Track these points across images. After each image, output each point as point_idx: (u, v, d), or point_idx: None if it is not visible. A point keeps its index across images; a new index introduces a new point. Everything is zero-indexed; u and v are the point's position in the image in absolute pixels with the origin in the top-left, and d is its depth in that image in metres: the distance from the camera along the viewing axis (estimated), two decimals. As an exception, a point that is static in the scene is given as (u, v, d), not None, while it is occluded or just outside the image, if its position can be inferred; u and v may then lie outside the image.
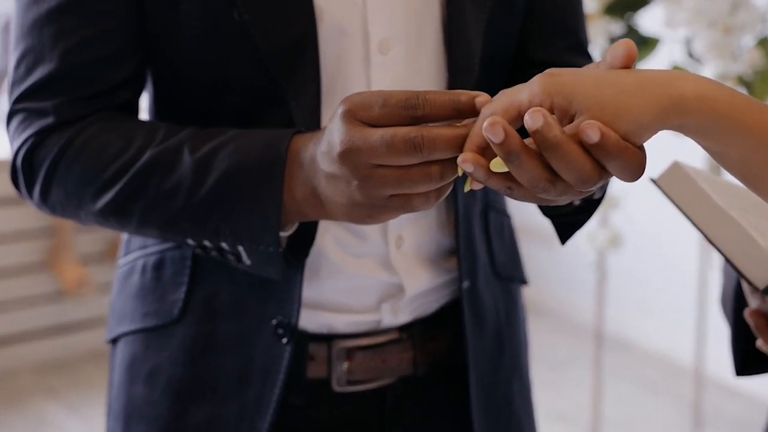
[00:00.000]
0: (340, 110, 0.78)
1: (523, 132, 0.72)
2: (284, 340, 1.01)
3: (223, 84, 0.98)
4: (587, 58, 1.11)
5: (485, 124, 0.70)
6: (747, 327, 1.11)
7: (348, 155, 0.77)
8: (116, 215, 0.95)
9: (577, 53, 1.10)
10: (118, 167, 0.93)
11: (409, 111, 0.75)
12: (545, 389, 3.23)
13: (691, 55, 2.29)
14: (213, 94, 0.99)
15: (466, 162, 0.72)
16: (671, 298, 3.70)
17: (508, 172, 0.72)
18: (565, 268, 4.05)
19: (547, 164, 0.71)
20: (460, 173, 0.76)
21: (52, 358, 3.67)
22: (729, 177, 1.10)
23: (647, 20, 2.53)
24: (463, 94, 0.75)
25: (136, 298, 1.08)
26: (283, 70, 0.96)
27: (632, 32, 2.40)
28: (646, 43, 2.38)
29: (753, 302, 1.05)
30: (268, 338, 1.02)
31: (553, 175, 0.71)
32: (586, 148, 0.69)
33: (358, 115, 0.77)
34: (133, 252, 1.10)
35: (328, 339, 1.06)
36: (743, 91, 2.17)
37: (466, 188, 0.77)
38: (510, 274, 1.17)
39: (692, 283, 2.95)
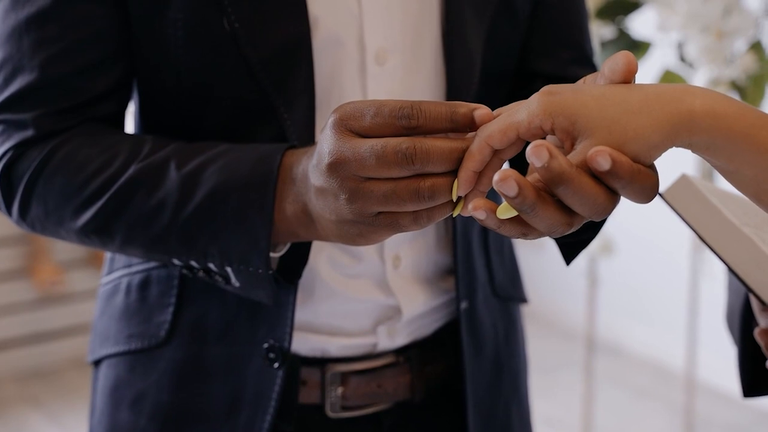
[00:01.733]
0: (331, 119, 0.73)
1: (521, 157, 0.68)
2: (276, 365, 0.96)
3: (211, 96, 0.94)
4: (592, 70, 1.07)
5: (496, 177, 0.64)
6: (755, 347, 1.08)
7: (336, 167, 0.72)
8: (98, 233, 0.91)
9: (581, 65, 1.06)
10: (100, 183, 0.89)
11: (402, 121, 0.70)
12: (536, 395, 3.19)
13: (683, 59, 2.26)
14: (201, 106, 0.95)
15: (478, 209, 0.67)
16: (662, 304, 3.68)
17: (518, 215, 0.68)
18: (556, 274, 4.02)
19: (563, 207, 0.66)
20: (454, 198, 0.71)
21: (33, 366, 3.62)
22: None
23: (638, 24, 2.50)
24: (462, 106, 0.70)
25: (120, 319, 1.03)
26: (275, 81, 0.91)
27: (623, 36, 2.37)
28: (637, 48, 2.36)
29: (763, 321, 1.01)
30: (259, 363, 0.97)
31: (571, 216, 0.67)
32: (596, 175, 0.65)
33: (350, 124, 0.72)
34: (116, 270, 1.06)
35: (321, 363, 1.01)
36: (736, 96, 2.15)
37: (455, 213, 0.72)
38: (509, 293, 1.13)
39: (683, 288, 2.93)
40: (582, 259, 2.58)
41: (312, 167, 0.77)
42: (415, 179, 0.70)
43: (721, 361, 3.39)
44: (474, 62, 0.98)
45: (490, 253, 1.08)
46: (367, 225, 0.74)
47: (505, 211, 0.68)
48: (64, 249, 3.68)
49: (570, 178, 0.64)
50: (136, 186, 0.88)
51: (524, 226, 0.68)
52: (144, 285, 1.02)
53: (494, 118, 0.71)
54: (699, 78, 2.18)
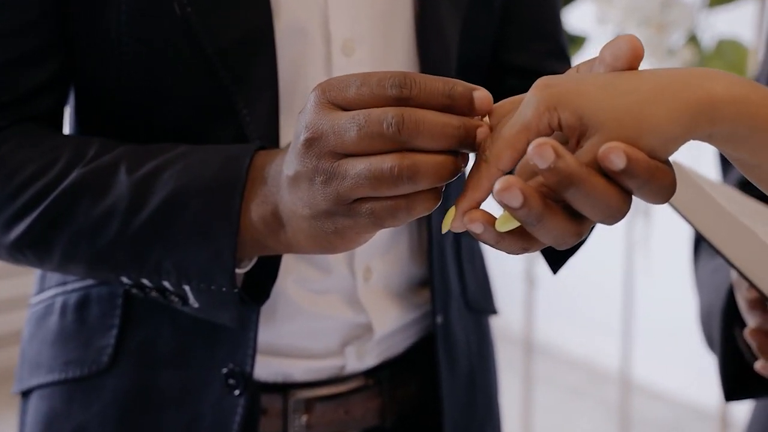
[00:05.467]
0: (312, 94, 0.63)
1: None
2: (236, 392, 0.86)
3: (160, 91, 0.83)
4: (567, 63, 1.00)
5: (497, 186, 0.55)
6: (736, 349, 1.02)
7: (313, 142, 0.61)
8: (34, 248, 0.79)
9: (557, 58, 0.99)
10: (37, 189, 0.77)
11: (393, 90, 0.60)
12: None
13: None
14: (149, 103, 0.84)
15: (474, 222, 0.58)
16: (597, 303, 3.66)
17: (520, 227, 0.59)
18: (494, 278, 3.99)
19: (572, 215, 0.57)
20: (444, 229, 0.61)
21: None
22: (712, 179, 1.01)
23: (574, 18, 2.47)
24: (459, 84, 0.60)
25: (55, 344, 0.91)
26: (234, 74, 0.81)
27: (559, 30, 2.33)
28: (573, 42, 2.32)
29: (752, 320, 0.95)
30: (218, 390, 0.86)
31: (580, 224, 0.58)
32: (609, 175, 0.56)
33: (332, 96, 0.61)
34: (49, 288, 0.93)
35: (283, 389, 0.91)
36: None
37: (444, 228, 0.61)
38: (481, 305, 1.04)
39: (618, 287, 2.91)
40: (519, 260, 2.54)
41: (287, 155, 0.66)
42: (394, 155, 0.60)
43: (655, 359, 3.38)
44: (450, 52, 0.89)
45: (462, 263, 1.00)
46: (342, 216, 0.63)
47: (506, 222, 0.59)
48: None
49: (581, 179, 0.55)
50: (80, 193, 0.76)
51: (526, 240, 0.59)
52: (82, 305, 0.90)
53: (493, 106, 0.62)
54: (638, 72, 2.15)
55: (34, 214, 0.77)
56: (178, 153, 0.76)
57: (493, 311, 1.08)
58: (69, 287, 0.91)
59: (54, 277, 0.93)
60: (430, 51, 0.88)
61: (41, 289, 0.95)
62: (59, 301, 0.92)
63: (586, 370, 3.65)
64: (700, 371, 3.19)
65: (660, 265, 2.96)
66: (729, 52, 2.18)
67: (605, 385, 3.48)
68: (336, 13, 0.85)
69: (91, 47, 0.83)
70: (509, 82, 0.97)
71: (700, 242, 1.18)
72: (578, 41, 2.34)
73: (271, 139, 0.82)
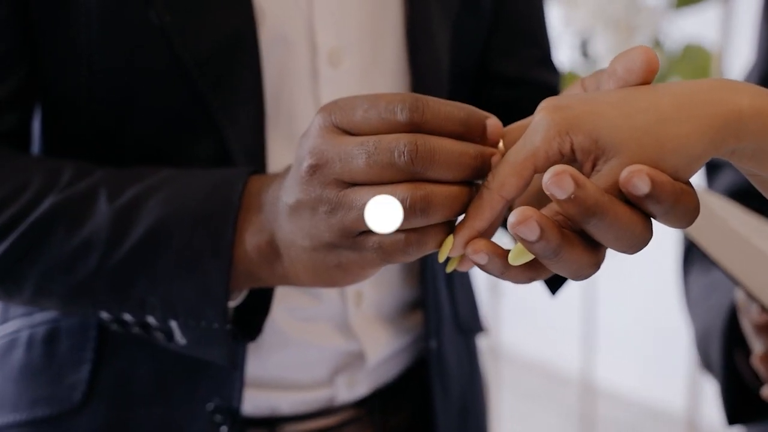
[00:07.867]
0: (317, 116, 0.58)
1: None
2: (223, 429, 0.80)
3: (135, 104, 0.76)
4: (555, 71, 0.96)
5: (512, 219, 0.51)
6: (736, 372, 0.98)
7: (317, 169, 0.57)
8: (2, 283, 0.73)
9: (546, 67, 0.95)
10: (6, 219, 0.71)
11: (404, 115, 0.55)
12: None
13: (585, 55, 2.21)
14: (122, 118, 0.77)
15: (479, 253, 0.53)
16: (558, 308, 3.65)
17: (534, 259, 0.54)
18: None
19: (591, 245, 0.53)
20: (441, 258, 0.56)
21: None
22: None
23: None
24: (474, 112, 0.56)
25: (21, 381, 0.84)
26: (215, 85, 0.75)
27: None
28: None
29: (759, 345, 0.91)
30: (202, 427, 0.80)
31: (598, 255, 0.53)
32: (631, 201, 0.52)
33: (337, 119, 0.57)
34: (13, 320, 0.86)
35: (270, 423, 0.85)
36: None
37: (441, 257, 0.57)
38: (470, 325, 0.99)
39: (578, 291, 2.90)
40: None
41: (287, 181, 0.61)
42: (405, 185, 0.55)
43: (617, 362, 3.38)
44: (441, 62, 0.84)
45: (454, 284, 0.95)
46: (347, 250, 0.58)
47: (520, 256, 0.54)
48: None
49: (604, 209, 0.51)
50: (55, 222, 0.70)
51: (535, 270, 0.55)
52: (50, 338, 0.83)
53: (503, 133, 0.58)
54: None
55: (3, 247, 0.71)
56: (163, 178, 0.70)
57: (481, 329, 1.03)
58: (36, 319, 0.84)
59: (19, 307, 0.86)
60: (421, 61, 0.83)
61: (4, 320, 0.88)
62: (25, 334, 0.85)
63: (548, 374, 3.64)
64: (662, 373, 3.19)
65: (622, 268, 2.95)
66: (695, 56, 2.17)
67: (567, 388, 3.46)
68: (322, 20, 0.79)
69: (58, 57, 0.76)
70: (495, 92, 0.92)
71: (690, 254, 1.14)
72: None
73: (256, 154, 0.76)
